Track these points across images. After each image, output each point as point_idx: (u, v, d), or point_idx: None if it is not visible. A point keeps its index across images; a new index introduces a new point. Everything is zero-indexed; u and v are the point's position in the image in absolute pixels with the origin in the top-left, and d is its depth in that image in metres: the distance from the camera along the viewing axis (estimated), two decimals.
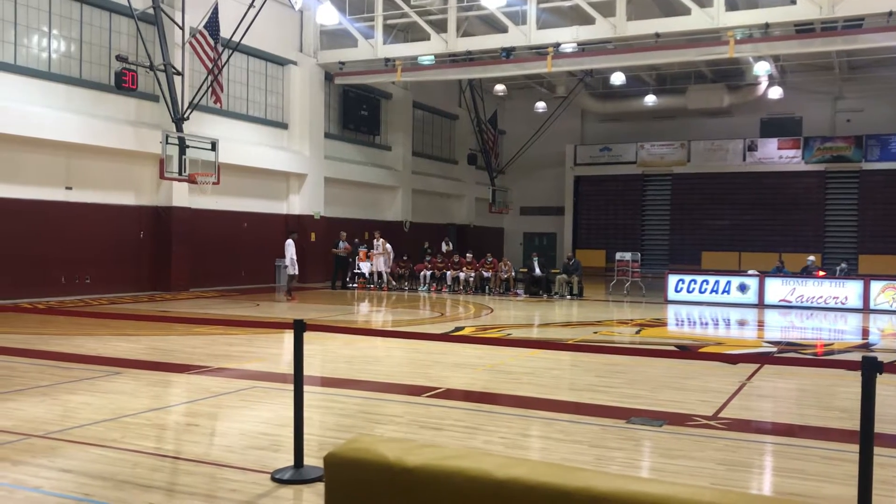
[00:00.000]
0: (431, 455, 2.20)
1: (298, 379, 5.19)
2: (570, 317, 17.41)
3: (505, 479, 2.04)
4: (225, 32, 19.73)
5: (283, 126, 24.65)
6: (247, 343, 11.65)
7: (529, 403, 7.77)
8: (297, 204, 24.98)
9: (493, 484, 2.03)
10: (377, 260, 23.50)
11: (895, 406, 7.73)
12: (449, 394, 8.15)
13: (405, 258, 24.85)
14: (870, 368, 3.76)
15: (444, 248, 27.43)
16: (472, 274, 23.30)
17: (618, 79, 26.73)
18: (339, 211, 26.67)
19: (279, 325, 6.97)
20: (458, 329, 14.13)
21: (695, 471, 5.48)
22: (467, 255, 24.26)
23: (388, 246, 23.81)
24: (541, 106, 32.65)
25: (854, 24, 21.19)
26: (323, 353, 10.75)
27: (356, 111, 27.85)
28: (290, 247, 19.86)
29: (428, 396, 7.95)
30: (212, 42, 19.58)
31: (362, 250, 23.97)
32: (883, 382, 8.27)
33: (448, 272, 23.58)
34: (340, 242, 23.38)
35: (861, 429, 3.78)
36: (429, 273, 23.89)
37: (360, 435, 4.47)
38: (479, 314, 17.16)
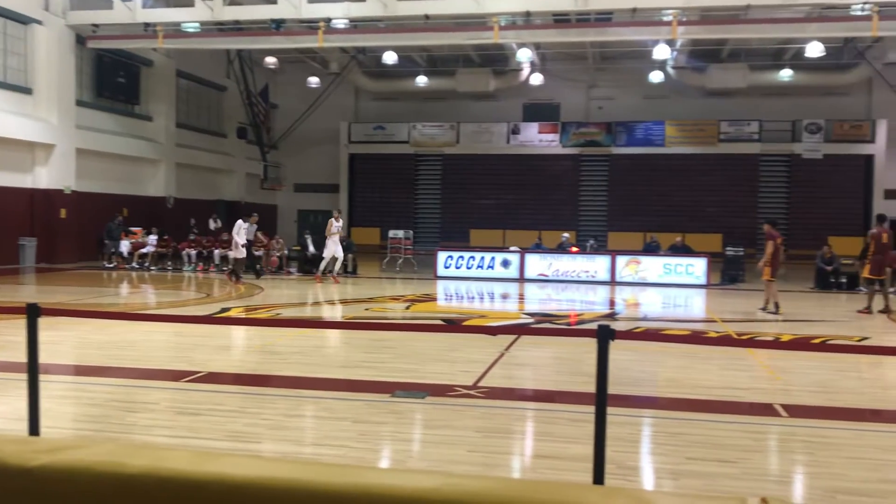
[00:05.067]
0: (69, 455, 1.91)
1: (33, 368, 4.73)
2: (344, 294, 17.40)
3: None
4: None
5: (27, 91, 22.31)
6: None
7: (297, 383, 7.65)
8: (45, 177, 22.77)
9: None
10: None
11: (631, 369, 8.49)
12: (211, 377, 7.82)
13: (165, 237, 23.55)
14: (603, 336, 4.06)
15: (212, 225, 26.35)
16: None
17: (390, 58, 26.98)
18: (95, 185, 24.69)
19: (10, 311, 6.30)
20: (224, 310, 13.63)
21: (454, 439, 5.66)
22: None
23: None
24: (314, 81, 32.21)
25: (605, 18, 22.87)
26: (71, 339, 9.89)
27: (113, 78, 25.85)
28: (238, 227, 18.60)
29: (188, 381, 7.57)
30: None
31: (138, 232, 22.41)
32: (620, 348, 9.04)
33: (216, 251, 22.67)
34: (252, 227, 21.92)
35: (596, 391, 4.07)
36: (194, 252, 22.84)
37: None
38: (248, 294, 16.67)
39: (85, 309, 12.59)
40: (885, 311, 14.33)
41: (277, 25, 21.89)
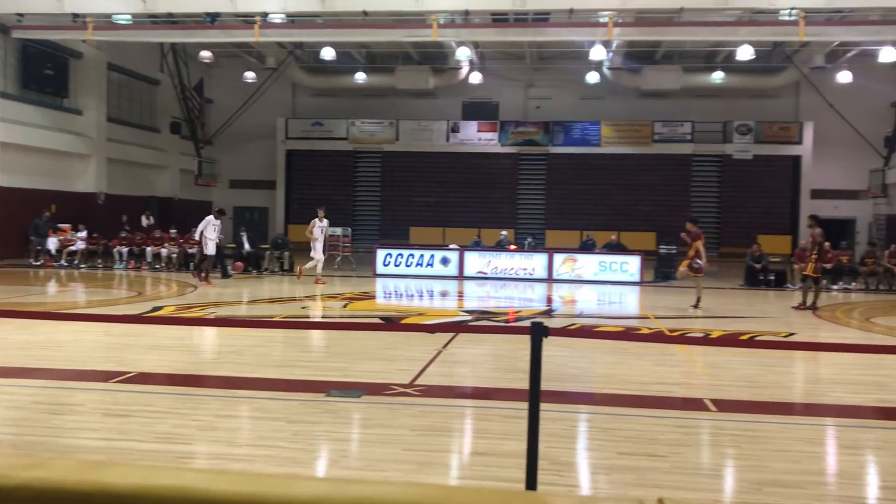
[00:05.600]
0: None
1: None
2: (280, 293, 17.20)
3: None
4: None
5: None
6: None
7: (230, 383, 7.51)
8: None
9: None
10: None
11: (567, 365, 8.58)
12: (142, 378, 7.64)
13: (95, 234, 22.90)
14: (537, 333, 4.08)
15: (144, 222, 25.75)
16: (176, 250, 22.11)
17: (328, 53, 26.72)
18: (20, 180, 23.83)
19: None
20: (156, 309, 13.32)
21: (389, 438, 5.63)
22: (171, 230, 22.96)
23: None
24: (250, 76, 31.70)
25: (542, 18, 23.07)
26: None
27: (40, 70, 24.99)
28: (206, 223, 17.93)
29: (117, 382, 7.37)
30: None
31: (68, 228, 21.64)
32: (557, 345, 9.11)
33: (148, 248, 22.15)
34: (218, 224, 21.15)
35: (530, 387, 4.09)
36: (126, 249, 22.27)
37: None
38: (182, 292, 16.33)
39: (7, 308, 12.15)
40: (813, 307, 14.81)
41: (212, 19, 21.46)
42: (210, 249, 18.04)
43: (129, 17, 22.51)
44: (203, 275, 17.95)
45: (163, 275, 20.52)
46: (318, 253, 18.72)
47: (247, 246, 22.07)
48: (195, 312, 12.93)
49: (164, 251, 22.04)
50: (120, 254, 22.22)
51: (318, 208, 19.65)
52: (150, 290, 16.92)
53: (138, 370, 7.93)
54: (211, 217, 18.47)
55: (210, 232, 18.05)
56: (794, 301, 15.80)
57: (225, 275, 19.51)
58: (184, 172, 32.98)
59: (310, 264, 18.92)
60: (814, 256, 14.85)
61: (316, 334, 10.12)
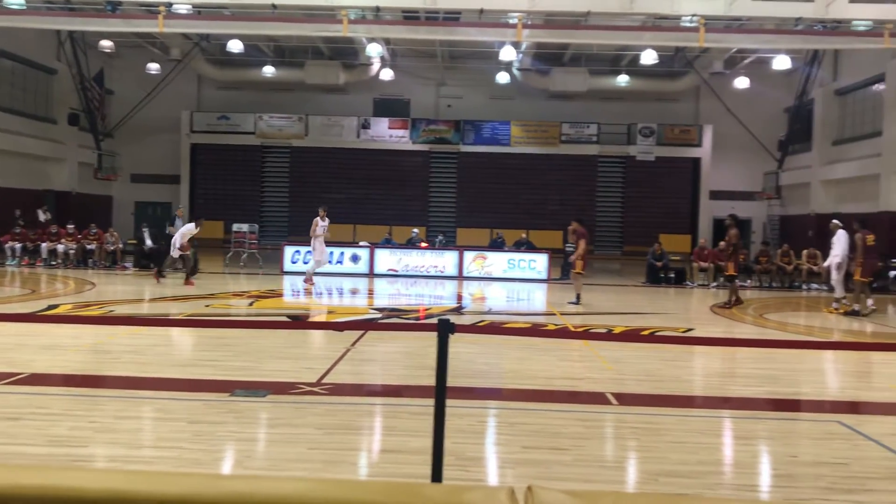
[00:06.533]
0: None
1: None
2: (184, 290, 16.73)
3: None
4: None
5: None
6: None
7: (129, 383, 7.26)
8: None
9: None
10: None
11: (475, 362, 8.66)
12: (35, 379, 7.31)
13: None
14: (444, 330, 4.10)
15: (42, 217, 24.62)
16: (74, 246, 21.23)
17: (235, 46, 26.15)
18: None
19: None
20: (52, 307, 12.75)
21: (294, 437, 5.56)
22: (68, 225, 22.02)
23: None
24: (154, 67, 30.70)
25: (453, 17, 23.21)
26: None
27: None
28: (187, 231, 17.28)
29: (7, 384, 7.03)
30: None
31: None
32: (466, 341, 9.19)
33: (43, 244, 21.19)
34: (178, 220, 19.99)
35: (436, 384, 4.11)
36: (19, 245, 21.24)
37: None
38: (79, 290, 15.69)
39: None
40: (728, 304, 15.40)
41: (113, 7, 20.68)
42: (177, 252, 17.64)
43: (22, 1, 21.47)
44: (161, 275, 17.90)
45: (59, 272, 19.67)
46: (320, 254, 18.01)
47: (149, 242, 21.39)
48: (93, 311, 12.45)
49: (60, 247, 21.12)
50: (13, 250, 21.17)
51: (319, 206, 18.55)
52: (46, 287, 16.20)
53: (31, 371, 7.59)
54: (191, 225, 17.88)
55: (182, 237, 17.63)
56: (693, 298, 16.42)
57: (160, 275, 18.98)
58: (82, 166, 31.64)
59: (310, 266, 18.36)
60: (731, 255, 15.49)
61: (220, 333, 9.90)
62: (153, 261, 20.88)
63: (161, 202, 34.52)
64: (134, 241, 22.21)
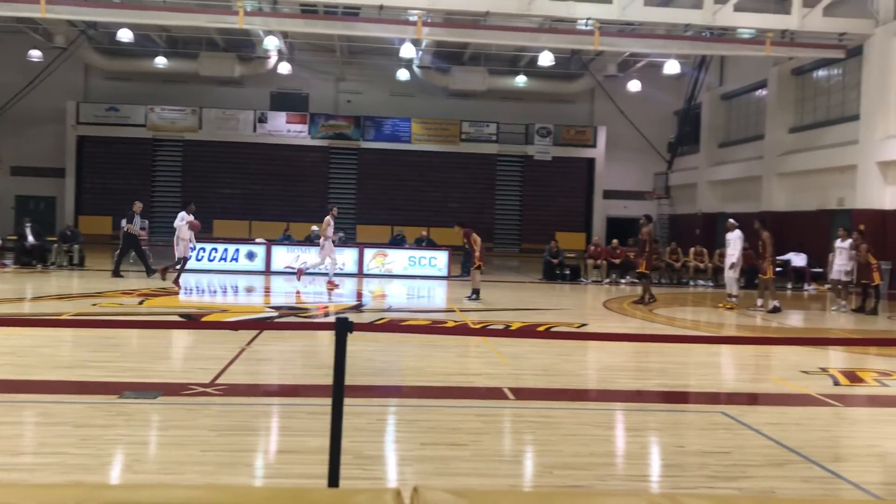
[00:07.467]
0: None
1: None
2: (69, 289, 15.97)
3: None
4: None
5: None
6: None
7: (8, 387, 6.88)
8: None
9: None
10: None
11: (375, 360, 8.63)
12: None
13: None
14: (341, 328, 4.06)
15: None
16: None
17: (125, 35, 25.14)
18: None
19: None
20: None
21: (186, 439, 5.40)
22: None
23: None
24: (36, 55, 29.17)
25: (352, 12, 23.02)
26: None
27: None
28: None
29: None
30: None
31: None
32: (366, 339, 9.14)
33: None
34: (136, 217, 18.48)
35: (334, 382, 4.06)
36: None
37: None
38: None
39: None
40: (642, 301, 15.81)
41: None
42: (181, 251, 16.87)
43: None
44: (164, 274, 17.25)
45: None
46: (328, 253, 17.57)
47: (31, 238, 20.29)
48: None
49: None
50: None
51: (331, 206, 18.08)
52: None
53: None
54: (184, 213, 16.88)
55: (184, 232, 16.74)
56: (588, 294, 16.85)
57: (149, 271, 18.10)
58: None
59: (330, 268, 17.85)
60: (645, 254, 15.91)
61: (109, 333, 9.50)
62: (35, 257, 19.88)
63: (44, 196, 32.89)
64: (14, 237, 21.02)
